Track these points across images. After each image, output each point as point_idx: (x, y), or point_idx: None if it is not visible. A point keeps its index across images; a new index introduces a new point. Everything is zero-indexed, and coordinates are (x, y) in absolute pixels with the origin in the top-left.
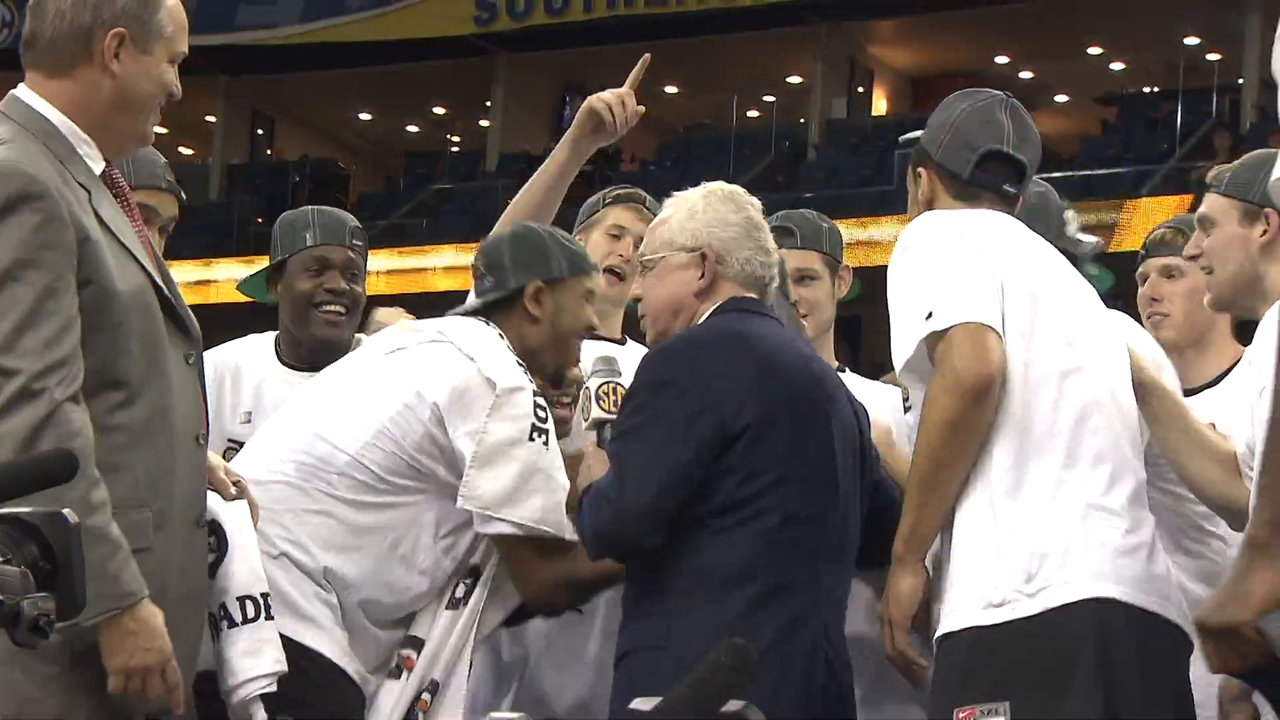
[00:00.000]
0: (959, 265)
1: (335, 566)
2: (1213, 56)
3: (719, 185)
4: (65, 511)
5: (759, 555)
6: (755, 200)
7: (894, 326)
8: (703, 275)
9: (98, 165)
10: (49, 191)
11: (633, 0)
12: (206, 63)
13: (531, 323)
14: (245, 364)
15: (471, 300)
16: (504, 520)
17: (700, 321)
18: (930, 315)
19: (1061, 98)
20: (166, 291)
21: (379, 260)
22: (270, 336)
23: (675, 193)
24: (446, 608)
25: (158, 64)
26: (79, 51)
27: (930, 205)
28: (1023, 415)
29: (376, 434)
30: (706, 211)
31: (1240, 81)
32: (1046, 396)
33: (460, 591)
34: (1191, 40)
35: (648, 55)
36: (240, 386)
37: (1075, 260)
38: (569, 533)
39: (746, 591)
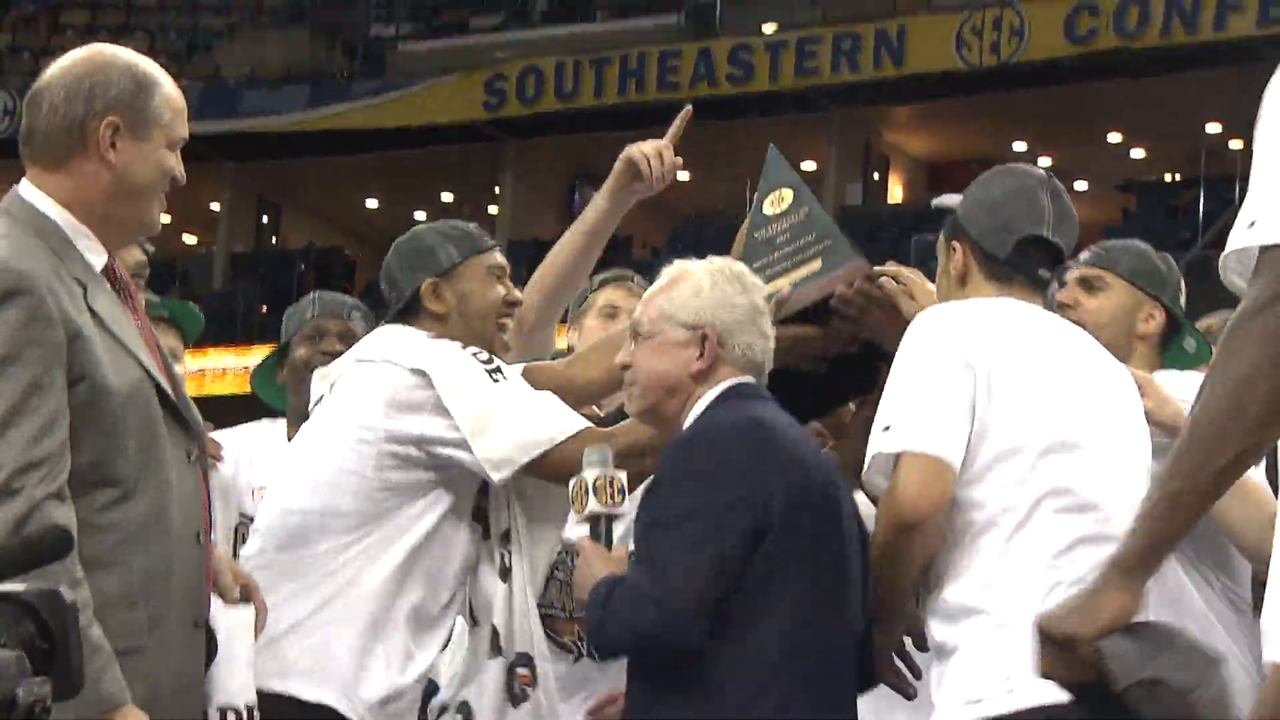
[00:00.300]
0: (934, 381)
1: (359, 615)
2: (1235, 144)
3: (725, 263)
4: (62, 589)
5: (781, 659)
6: (759, 282)
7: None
8: (702, 355)
9: (99, 259)
10: (36, 287)
11: (644, 86)
12: (210, 150)
13: (439, 320)
14: (259, 444)
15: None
16: (530, 461)
17: (701, 405)
18: (887, 429)
19: (1081, 185)
20: (167, 387)
21: None
22: (281, 422)
23: (676, 260)
24: (501, 581)
25: (156, 150)
26: (74, 144)
27: (963, 281)
28: (1015, 531)
29: (337, 477)
30: (712, 291)
31: None
32: (1043, 512)
33: (507, 561)
34: (1214, 127)
35: (689, 108)
36: (255, 466)
37: (1180, 328)
38: (578, 421)
39: (768, 699)
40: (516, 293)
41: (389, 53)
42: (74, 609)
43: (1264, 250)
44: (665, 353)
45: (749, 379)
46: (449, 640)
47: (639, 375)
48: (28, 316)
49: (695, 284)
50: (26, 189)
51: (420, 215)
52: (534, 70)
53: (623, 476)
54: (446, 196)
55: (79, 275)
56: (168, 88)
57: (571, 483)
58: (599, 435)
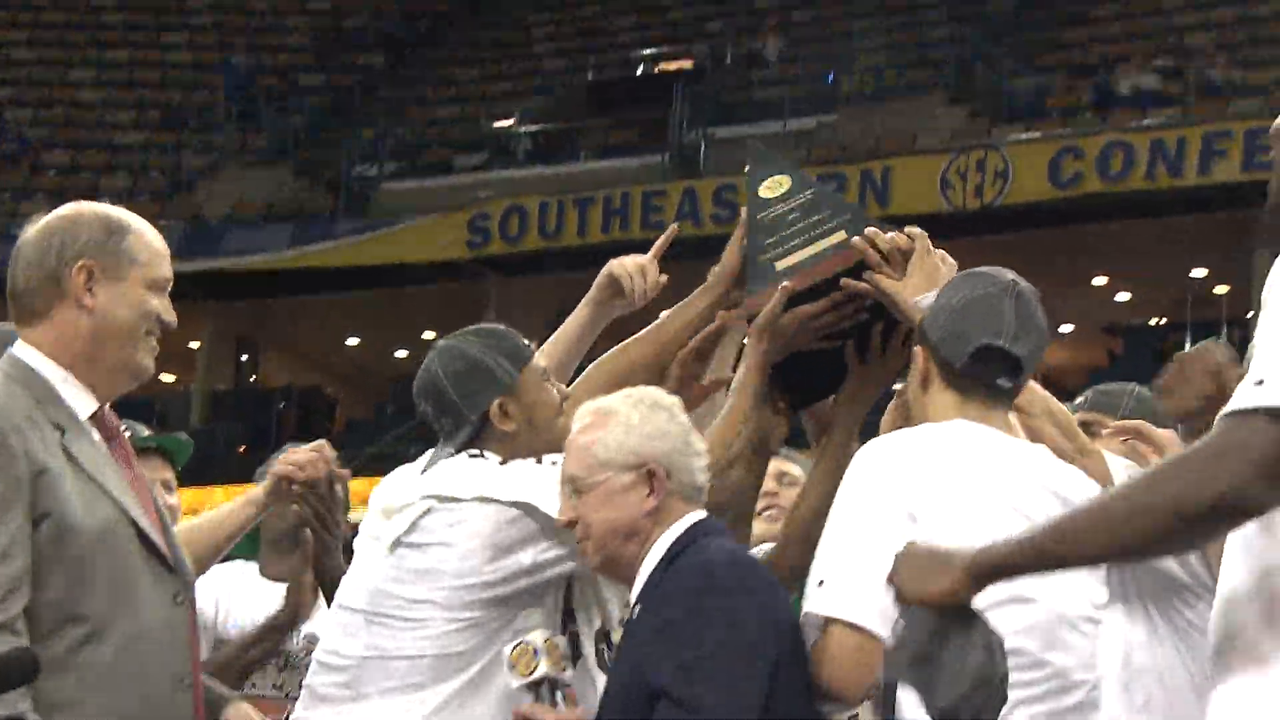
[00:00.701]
0: (871, 539)
1: None
2: (1220, 289)
3: (643, 392)
4: (25, 713)
5: None
6: (678, 399)
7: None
8: (651, 493)
9: (85, 406)
10: None
11: (628, 225)
12: (192, 288)
13: (510, 440)
14: (234, 585)
15: (442, 449)
16: None
17: (663, 544)
18: (821, 584)
19: (1066, 328)
20: (150, 530)
21: (363, 487)
22: (253, 564)
23: (587, 402)
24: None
25: (134, 290)
26: (52, 294)
27: (925, 384)
28: None
29: (447, 624)
30: (643, 424)
31: (1250, 315)
32: None
33: (606, 655)
34: (1199, 271)
35: (675, 226)
36: (230, 600)
37: None
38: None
39: None
40: (565, 388)
41: (372, 191)
42: None
43: (1264, 412)
44: (614, 500)
45: (701, 511)
46: None
47: (592, 529)
48: None
49: (624, 421)
50: (18, 346)
51: (402, 353)
52: (518, 209)
53: (564, 641)
54: (428, 334)
55: (59, 420)
56: (142, 230)
57: (511, 647)
58: None
